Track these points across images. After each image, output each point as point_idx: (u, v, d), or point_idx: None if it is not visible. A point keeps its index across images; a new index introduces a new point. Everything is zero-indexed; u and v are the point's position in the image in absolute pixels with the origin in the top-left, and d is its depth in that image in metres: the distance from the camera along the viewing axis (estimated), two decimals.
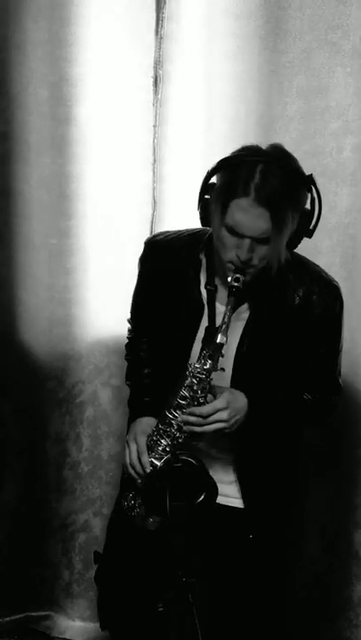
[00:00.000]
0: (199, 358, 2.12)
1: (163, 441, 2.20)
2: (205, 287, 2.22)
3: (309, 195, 2.10)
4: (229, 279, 2.08)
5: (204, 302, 2.22)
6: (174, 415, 2.16)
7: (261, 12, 2.65)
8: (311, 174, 2.10)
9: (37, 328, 3.06)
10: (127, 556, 2.38)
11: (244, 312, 2.20)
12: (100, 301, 3.01)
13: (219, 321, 2.14)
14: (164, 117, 2.79)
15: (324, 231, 2.75)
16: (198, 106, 2.75)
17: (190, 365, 2.13)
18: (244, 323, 2.20)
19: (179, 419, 2.15)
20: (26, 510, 3.18)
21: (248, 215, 2.02)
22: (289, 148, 2.70)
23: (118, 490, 3.08)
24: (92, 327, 3.04)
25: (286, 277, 2.19)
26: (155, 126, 2.82)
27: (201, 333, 2.22)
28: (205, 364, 2.11)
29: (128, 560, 2.38)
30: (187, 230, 2.33)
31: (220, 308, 2.19)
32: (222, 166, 2.08)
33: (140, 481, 2.23)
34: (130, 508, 2.30)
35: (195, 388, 2.13)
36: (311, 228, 2.13)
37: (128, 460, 2.25)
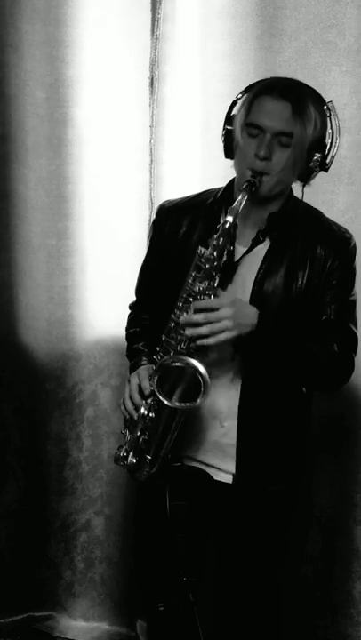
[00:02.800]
0: (209, 244, 2.05)
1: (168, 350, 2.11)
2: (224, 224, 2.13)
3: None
4: (245, 183, 2.05)
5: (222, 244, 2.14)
6: (180, 317, 2.07)
7: (257, 12, 2.66)
8: (331, 101, 2.13)
9: (37, 329, 3.06)
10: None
11: (261, 250, 2.17)
12: (98, 302, 3.01)
13: (237, 259, 2.15)
14: (161, 118, 2.79)
15: None
16: (195, 106, 2.76)
17: (198, 250, 2.06)
18: (261, 260, 2.17)
19: (181, 319, 2.05)
20: (27, 510, 3.19)
21: (271, 107, 2.05)
22: None
23: (119, 489, 3.11)
24: (91, 327, 3.05)
25: (301, 225, 2.19)
26: (151, 127, 2.82)
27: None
28: (217, 242, 2.03)
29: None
30: (200, 192, 2.32)
31: (239, 248, 2.17)
32: (247, 90, 2.14)
33: (135, 416, 2.14)
34: (122, 459, 2.22)
35: (204, 276, 2.04)
36: (328, 161, 2.14)
37: (126, 394, 2.16)
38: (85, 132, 2.87)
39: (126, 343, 2.41)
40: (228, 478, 2.26)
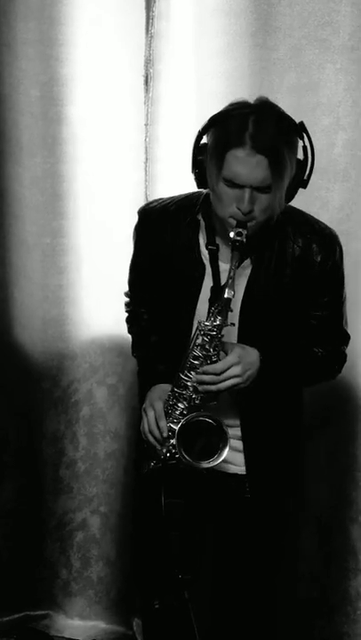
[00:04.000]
0: (208, 316, 2.10)
1: (180, 404, 2.16)
2: (207, 247, 2.19)
3: (301, 143, 2.10)
4: (232, 234, 2.06)
5: (205, 262, 2.20)
6: (188, 377, 2.14)
7: (251, 9, 2.65)
8: (302, 122, 2.09)
9: (32, 327, 3.06)
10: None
11: (246, 267, 2.19)
12: (94, 300, 3.01)
13: (223, 279, 2.14)
14: (156, 116, 2.80)
15: None
16: (189, 104, 2.75)
17: (200, 323, 2.11)
18: (248, 277, 2.19)
19: (193, 379, 2.12)
20: (23, 510, 3.18)
21: (246, 164, 2.01)
22: None
23: (115, 488, 3.11)
24: (87, 326, 3.05)
25: (285, 229, 2.18)
26: (146, 125, 2.82)
27: (204, 294, 2.20)
28: (215, 321, 2.08)
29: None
30: (179, 195, 2.31)
31: (224, 267, 2.18)
32: (213, 124, 2.08)
33: (159, 447, 2.20)
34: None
35: (206, 346, 2.11)
36: (305, 177, 2.13)
37: (146, 428, 2.21)
38: (80, 131, 2.87)
39: (130, 340, 2.44)
40: (240, 470, 2.28)
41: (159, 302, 2.31)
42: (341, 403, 2.86)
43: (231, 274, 2.05)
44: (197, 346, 2.13)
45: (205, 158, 2.09)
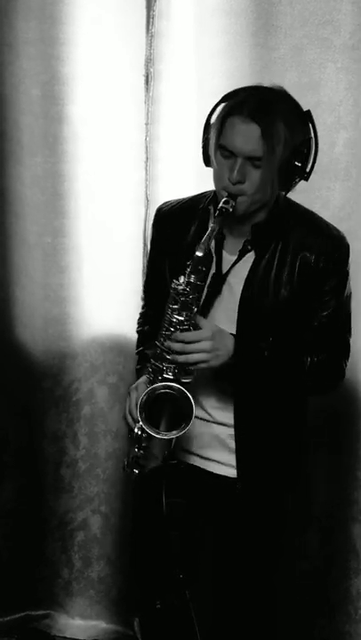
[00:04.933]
0: (183, 275, 2.08)
1: (159, 378, 2.14)
2: (215, 236, 2.16)
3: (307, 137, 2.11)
4: (220, 204, 2.07)
5: (213, 252, 2.19)
6: (164, 345, 2.12)
7: (252, 9, 2.65)
8: (309, 110, 2.10)
9: (33, 327, 3.06)
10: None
11: (249, 260, 2.18)
12: (94, 299, 3.01)
13: (225, 269, 2.16)
14: (156, 115, 2.79)
15: None
16: (190, 103, 2.75)
17: (174, 282, 2.09)
18: (249, 268, 2.18)
19: (165, 344, 2.11)
20: (24, 509, 3.18)
21: (240, 131, 2.03)
22: None
23: (116, 487, 3.11)
24: (88, 325, 3.05)
25: (290, 226, 2.18)
26: (147, 124, 2.82)
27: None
28: (189, 278, 2.06)
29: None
30: (196, 194, 2.33)
31: (228, 258, 2.18)
32: (223, 99, 2.11)
33: (136, 430, 2.18)
34: (130, 465, 2.25)
35: (182, 312, 2.08)
36: (308, 170, 2.12)
37: (127, 408, 2.22)
38: (81, 130, 2.87)
39: (134, 339, 2.45)
40: (231, 472, 2.26)
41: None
42: (344, 402, 2.86)
43: (212, 234, 2.04)
44: (172, 310, 2.10)
45: (210, 134, 2.11)
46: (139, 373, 2.33)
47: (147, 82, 2.80)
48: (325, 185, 2.71)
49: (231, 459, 2.25)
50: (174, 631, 2.12)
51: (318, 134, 2.68)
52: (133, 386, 2.25)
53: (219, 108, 2.10)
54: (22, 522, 3.19)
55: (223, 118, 2.06)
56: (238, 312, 2.17)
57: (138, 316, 2.49)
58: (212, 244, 2.16)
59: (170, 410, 2.10)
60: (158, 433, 2.08)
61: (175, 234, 2.26)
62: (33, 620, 3.23)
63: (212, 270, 2.19)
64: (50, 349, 3.07)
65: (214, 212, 2.09)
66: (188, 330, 2.09)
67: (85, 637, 3.18)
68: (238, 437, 2.23)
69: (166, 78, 2.77)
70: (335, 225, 2.72)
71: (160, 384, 2.10)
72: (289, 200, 2.22)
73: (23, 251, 3.01)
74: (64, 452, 3.13)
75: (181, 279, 2.08)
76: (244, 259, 2.18)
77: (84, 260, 2.98)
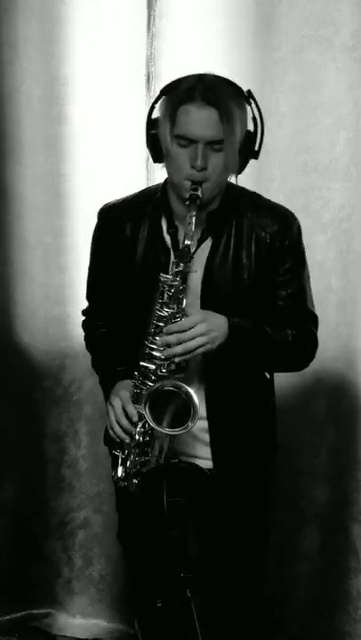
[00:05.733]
0: (169, 268, 2.09)
1: (147, 382, 2.12)
2: (168, 232, 2.19)
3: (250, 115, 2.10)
4: (187, 194, 2.05)
5: (170, 247, 2.19)
6: (154, 342, 2.10)
7: (252, 9, 2.66)
8: (249, 89, 2.08)
9: (33, 327, 3.06)
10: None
11: (206, 247, 2.18)
12: None
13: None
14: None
15: (318, 226, 2.76)
16: None
17: (161, 277, 2.09)
18: (207, 256, 2.18)
19: (158, 342, 2.08)
20: (25, 508, 3.19)
21: (197, 117, 2.01)
22: (282, 143, 2.73)
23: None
24: None
25: (241, 208, 2.18)
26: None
27: None
28: (178, 267, 2.06)
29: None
30: (138, 191, 2.32)
31: None
32: (163, 92, 2.09)
33: (127, 440, 2.16)
34: (119, 480, 2.23)
35: (171, 304, 2.07)
36: (256, 148, 2.12)
37: (113, 418, 2.16)
38: (81, 130, 2.87)
39: (89, 354, 2.41)
40: (207, 464, 2.25)
41: (126, 303, 2.27)
42: (343, 402, 2.86)
43: (191, 227, 2.03)
44: (160, 304, 2.09)
45: (158, 129, 2.09)
46: (108, 386, 2.29)
47: (147, 81, 2.81)
48: (326, 185, 2.72)
49: (207, 451, 2.25)
50: (175, 630, 2.12)
51: (319, 134, 2.71)
52: (113, 394, 2.20)
53: (162, 102, 2.08)
54: (23, 521, 3.19)
55: (174, 109, 2.03)
56: (201, 299, 2.16)
57: (84, 329, 2.44)
58: (168, 239, 2.18)
59: (170, 408, 2.08)
60: (163, 428, 2.04)
61: (122, 234, 2.24)
62: (34, 619, 3.23)
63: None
64: (50, 349, 3.08)
65: (184, 202, 2.07)
66: (178, 315, 2.07)
67: (86, 636, 3.18)
68: (212, 429, 2.23)
69: (167, 78, 2.74)
70: (336, 225, 2.74)
71: (167, 381, 2.06)
72: (234, 184, 2.20)
73: (23, 250, 3.01)
74: (65, 451, 3.13)
75: (169, 272, 2.07)
76: (202, 247, 2.18)
77: (85, 260, 2.98)
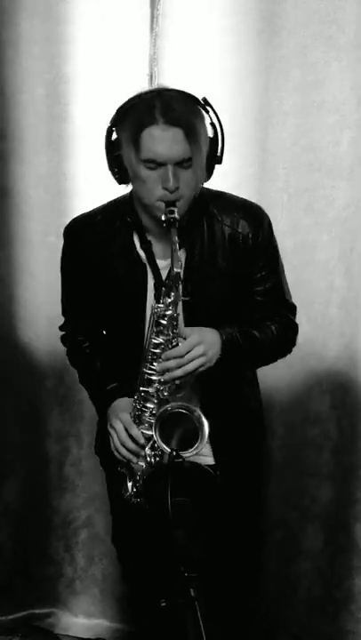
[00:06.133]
0: (160, 298, 2.09)
1: (148, 405, 2.15)
2: (142, 247, 2.19)
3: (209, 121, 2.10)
4: (163, 217, 2.05)
5: (145, 263, 2.19)
6: (152, 369, 2.12)
7: (256, 8, 2.66)
8: (205, 97, 2.08)
9: (37, 326, 3.06)
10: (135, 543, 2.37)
11: (180, 254, 2.16)
12: None
13: (164, 275, 2.15)
14: None
15: (322, 225, 2.76)
16: None
17: (154, 307, 2.09)
18: (183, 262, 2.17)
19: (157, 368, 2.10)
20: (27, 508, 3.19)
21: (163, 140, 2.00)
22: (286, 142, 2.73)
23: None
24: None
25: (210, 211, 2.19)
26: None
27: (150, 296, 2.19)
28: (169, 298, 2.07)
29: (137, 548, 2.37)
30: (102, 205, 2.30)
31: (162, 263, 2.18)
32: (120, 115, 2.08)
33: (135, 461, 2.18)
34: (131, 496, 2.24)
35: (165, 330, 2.09)
36: (219, 153, 2.12)
37: (117, 442, 2.18)
38: (84, 129, 2.87)
39: (76, 372, 2.42)
40: (207, 460, 2.27)
41: (104, 319, 2.28)
42: (346, 401, 2.86)
43: (176, 253, 2.02)
44: (156, 333, 2.10)
45: (121, 151, 2.08)
46: (100, 401, 2.30)
47: (151, 81, 2.80)
48: (330, 184, 2.71)
49: (207, 448, 2.26)
50: (179, 629, 2.12)
51: (322, 133, 2.71)
52: (112, 418, 2.20)
53: (122, 124, 2.06)
54: (26, 520, 3.19)
55: (136, 132, 2.02)
56: (184, 312, 2.17)
57: (66, 345, 2.43)
58: (143, 254, 2.18)
59: (177, 429, 2.10)
60: (178, 453, 2.07)
61: (94, 252, 2.23)
62: (36, 619, 3.23)
63: (152, 281, 2.18)
64: (53, 349, 3.06)
65: (160, 224, 2.07)
66: (175, 345, 2.09)
67: (89, 636, 3.18)
68: (211, 425, 2.21)
69: (170, 77, 2.77)
70: (340, 224, 2.74)
71: (175, 403, 2.10)
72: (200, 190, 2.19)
73: (27, 250, 3.01)
74: (68, 450, 3.13)
75: (161, 301, 2.08)
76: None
77: None
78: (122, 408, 2.21)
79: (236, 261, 2.19)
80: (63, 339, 2.44)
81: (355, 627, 2.94)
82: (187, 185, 2.06)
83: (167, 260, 2.14)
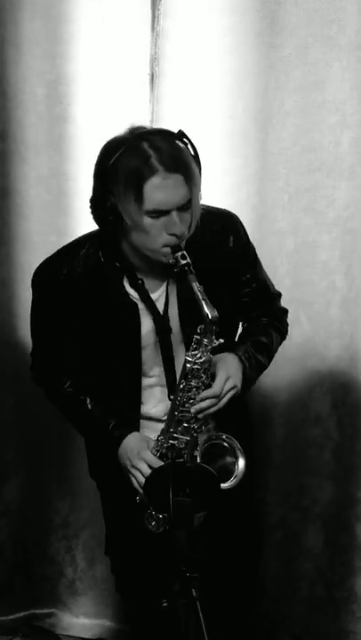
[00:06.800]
0: (194, 346, 2.10)
1: (175, 442, 2.16)
2: (133, 285, 2.17)
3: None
4: (171, 261, 2.05)
5: (136, 301, 2.18)
6: (183, 410, 2.14)
7: (257, 8, 2.66)
8: (180, 129, 2.07)
9: None
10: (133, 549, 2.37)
11: (171, 282, 2.19)
12: None
13: (159, 306, 2.17)
14: (161, 114, 2.80)
15: (322, 225, 2.76)
16: (195, 102, 2.76)
17: (188, 356, 2.10)
18: (176, 290, 2.19)
19: (192, 410, 2.13)
20: (28, 508, 3.18)
21: (166, 188, 1.99)
22: (286, 142, 2.74)
23: None
24: None
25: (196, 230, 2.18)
26: (151, 122, 2.82)
27: (145, 331, 2.19)
28: (207, 345, 2.08)
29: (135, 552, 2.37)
30: (72, 244, 2.26)
31: (156, 295, 2.18)
32: (108, 174, 2.04)
33: None
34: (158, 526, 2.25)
35: (200, 373, 2.11)
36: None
37: (143, 480, 2.14)
38: (85, 129, 2.87)
39: (68, 419, 2.40)
40: None
41: (89, 359, 2.26)
42: (347, 401, 2.86)
43: (200, 295, 2.03)
44: (191, 379, 2.12)
45: (118, 211, 2.03)
46: (105, 441, 2.26)
47: (151, 81, 2.80)
48: (330, 184, 2.72)
49: None
50: (181, 630, 2.12)
51: (323, 133, 2.71)
52: (133, 457, 2.19)
53: (116, 187, 2.02)
54: (26, 520, 3.19)
55: (138, 187, 1.99)
56: (182, 330, 2.18)
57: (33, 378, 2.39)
58: (135, 293, 2.18)
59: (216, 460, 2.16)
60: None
61: (83, 296, 2.19)
62: (37, 619, 3.23)
63: (147, 317, 2.18)
64: None
65: (170, 269, 2.07)
66: (207, 383, 2.12)
67: (89, 636, 3.19)
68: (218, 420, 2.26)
69: (171, 77, 2.78)
70: (341, 224, 2.74)
71: (216, 434, 2.16)
72: None
73: (27, 250, 3.00)
74: (68, 450, 3.13)
75: (196, 352, 2.09)
76: (170, 287, 2.19)
77: None
78: (138, 447, 2.20)
79: (223, 271, 2.19)
80: (36, 380, 2.39)
81: (355, 627, 2.94)
82: (187, 225, 2.06)
83: (157, 291, 2.18)
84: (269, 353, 2.29)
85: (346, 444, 2.89)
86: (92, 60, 2.82)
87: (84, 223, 2.92)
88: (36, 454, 3.15)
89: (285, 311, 2.37)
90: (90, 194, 2.90)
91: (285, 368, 2.76)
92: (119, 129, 2.85)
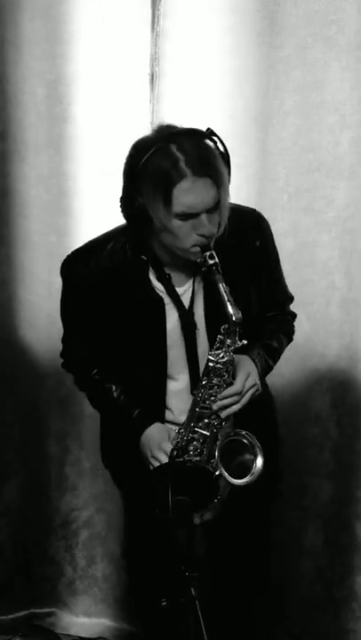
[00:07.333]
0: (216, 345, 2.12)
1: (196, 436, 2.17)
2: (160, 280, 2.19)
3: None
4: (200, 260, 2.07)
5: (162, 295, 2.20)
6: (204, 407, 2.16)
7: (257, 8, 2.66)
8: (209, 128, 2.07)
9: (37, 326, 3.07)
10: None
11: (198, 282, 2.20)
12: None
13: (184, 301, 2.18)
14: (161, 114, 2.80)
15: (322, 225, 2.76)
16: (195, 102, 2.76)
17: (211, 355, 2.13)
18: (202, 286, 2.20)
19: (214, 407, 2.15)
20: (28, 507, 3.19)
21: (196, 191, 2.01)
22: (286, 142, 2.74)
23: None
24: None
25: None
26: (151, 123, 2.82)
27: (171, 326, 2.20)
28: (230, 345, 2.10)
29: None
30: (102, 237, 2.27)
31: (179, 291, 2.20)
32: (137, 176, 2.04)
33: None
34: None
35: (223, 372, 2.13)
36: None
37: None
38: (85, 129, 2.88)
39: (94, 406, 2.40)
40: None
41: (121, 357, 2.27)
42: (347, 400, 2.87)
43: (227, 297, 2.05)
44: (213, 377, 2.14)
45: (146, 211, 2.05)
46: (126, 428, 2.28)
47: (152, 81, 2.81)
48: (330, 184, 2.72)
49: None
50: (180, 629, 2.12)
51: (323, 133, 2.71)
52: (154, 448, 2.20)
53: (144, 189, 2.03)
54: (26, 520, 3.20)
55: (167, 191, 2.00)
56: (207, 330, 2.20)
57: (82, 381, 2.40)
58: (162, 287, 2.19)
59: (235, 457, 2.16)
60: (232, 479, 2.13)
61: (109, 289, 2.20)
62: (37, 618, 3.23)
63: (172, 311, 2.20)
64: (54, 348, 3.04)
65: (199, 267, 2.09)
66: (229, 382, 2.14)
67: (90, 635, 3.19)
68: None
69: (171, 77, 2.78)
70: (341, 224, 2.74)
71: (235, 430, 2.16)
72: None
73: (27, 250, 3.01)
74: (68, 450, 3.14)
75: (219, 351, 2.11)
76: (196, 286, 2.20)
77: None
78: (159, 437, 2.22)
79: (248, 270, 2.21)
80: (66, 366, 2.43)
81: (355, 626, 2.94)
82: (215, 225, 2.07)
83: (184, 286, 2.19)
84: (277, 357, 2.32)
85: (345, 443, 2.89)
86: (92, 59, 2.82)
87: (84, 223, 2.96)
88: (35, 454, 3.15)
89: (294, 315, 2.39)
90: (90, 194, 2.94)
91: (285, 367, 2.76)
92: (119, 129, 2.89)
